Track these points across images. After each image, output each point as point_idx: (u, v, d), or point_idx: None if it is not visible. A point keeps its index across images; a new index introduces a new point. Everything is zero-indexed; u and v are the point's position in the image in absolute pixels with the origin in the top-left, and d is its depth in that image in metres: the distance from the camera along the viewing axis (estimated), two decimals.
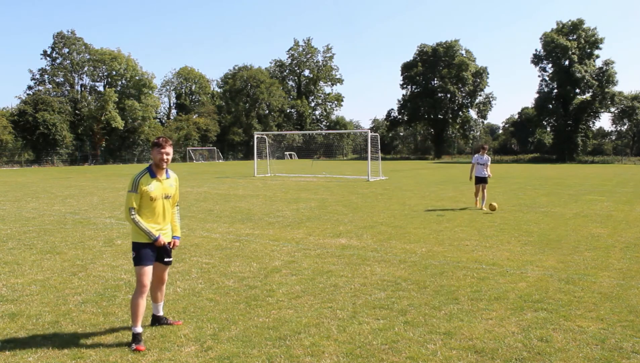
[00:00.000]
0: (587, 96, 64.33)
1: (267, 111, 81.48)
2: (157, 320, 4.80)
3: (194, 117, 72.11)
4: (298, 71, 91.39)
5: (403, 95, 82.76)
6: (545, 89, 66.79)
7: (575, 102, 63.81)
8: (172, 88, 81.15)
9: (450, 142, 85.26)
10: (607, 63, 63.71)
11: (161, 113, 77.82)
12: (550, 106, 65.69)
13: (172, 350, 4.21)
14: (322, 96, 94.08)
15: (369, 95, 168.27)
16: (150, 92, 63.71)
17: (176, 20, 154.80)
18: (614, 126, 78.92)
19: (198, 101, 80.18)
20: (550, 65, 65.70)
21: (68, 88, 59.51)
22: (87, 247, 8.42)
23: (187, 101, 79.93)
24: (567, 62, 63.64)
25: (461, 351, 4.17)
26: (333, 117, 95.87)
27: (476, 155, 14.40)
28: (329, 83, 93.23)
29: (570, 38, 63.99)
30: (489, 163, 14.19)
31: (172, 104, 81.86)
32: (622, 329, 4.64)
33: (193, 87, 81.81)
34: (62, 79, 59.43)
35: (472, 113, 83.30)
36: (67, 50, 58.87)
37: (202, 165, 53.05)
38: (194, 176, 30.42)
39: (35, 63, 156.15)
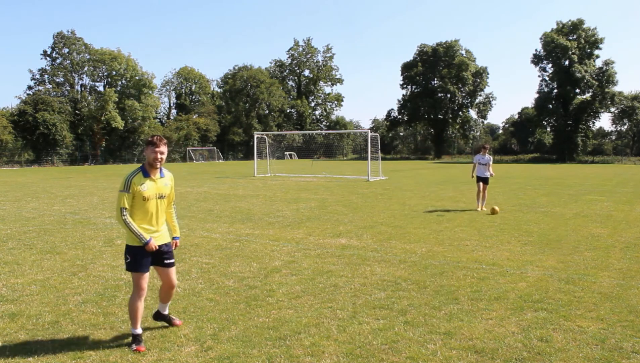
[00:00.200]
0: (587, 96, 64.32)
1: (267, 111, 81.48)
2: (160, 317, 4.73)
3: (194, 117, 72.11)
4: (298, 71, 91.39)
5: (403, 95, 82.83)
6: (545, 89, 66.80)
7: (575, 102, 63.81)
8: (172, 88, 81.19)
9: (450, 142, 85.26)
10: (607, 63, 63.71)
11: (161, 113, 77.89)
12: (550, 106, 65.68)
13: (172, 350, 4.21)
14: (322, 96, 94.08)
15: (369, 95, 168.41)
16: (150, 92, 63.73)
17: (176, 20, 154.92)
18: (614, 126, 79.03)
19: (198, 101, 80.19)
20: (550, 65, 65.70)
21: (68, 88, 59.52)
22: (87, 247, 8.42)
23: (187, 101, 79.92)
24: (567, 62, 63.63)
25: (461, 351, 4.17)
26: (333, 117, 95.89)
27: (477, 155, 14.17)
28: (329, 83, 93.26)
29: (570, 38, 63.98)
30: (491, 163, 13.99)
31: (172, 104, 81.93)
32: (622, 329, 4.64)
33: (193, 87, 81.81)
34: (62, 79, 59.46)
35: (472, 113, 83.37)
36: (67, 50, 58.89)
37: (202, 165, 53.05)
38: (194, 176, 30.42)
39: (35, 63, 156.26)
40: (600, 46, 64.41)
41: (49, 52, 58.84)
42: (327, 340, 4.39)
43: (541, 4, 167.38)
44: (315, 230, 10.12)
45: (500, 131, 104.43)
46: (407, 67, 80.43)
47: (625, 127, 76.78)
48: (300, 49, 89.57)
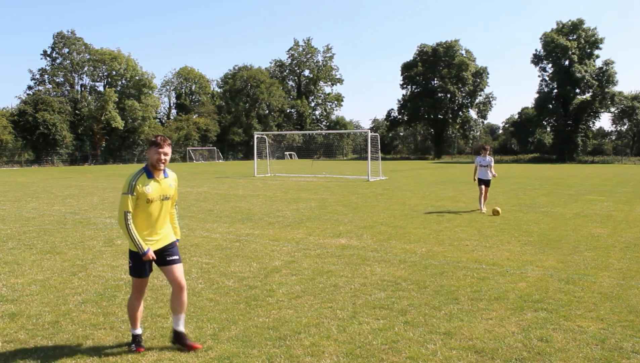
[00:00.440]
0: (587, 96, 64.33)
1: (267, 111, 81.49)
2: (177, 338, 4.24)
3: (194, 117, 72.12)
4: (298, 71, 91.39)
5: (403, 95, 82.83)
6: (545, 89, 66.80)
7: (575, 102, 63.81)
8: (172, 88, 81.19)
9: (450, 142, 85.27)
10: (607, 63, 63.71)
11: (161, 113, 77.87)
12: (550, 106, 65.69)
13: (172, 350, 4.21)
14: (322, 96, 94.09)
15: (369, 95, 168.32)
16: (150, 92, 63.74)
17: (176, 20, 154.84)
18: (614, 126, 78.96)
19: (198, 101, 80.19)
20: (550, 65, 65.70)
21: (68, 88, 59.53)
22: (87, 247, 8.42)
23: (187, 101, 79.92)
24: (567, 62, 63.63)
25: (461, 351, 4.17)
26: (333, 117, 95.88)
27: (478, 157, 13.83)
28: (329, 83, 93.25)
29: (570, 38, 63.98)
30: (493, 164, 13.64)
31: (172, 104, 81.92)
32: (622, 329, 4.64)
33: (193, 87, 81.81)
34: (62, 79, 59.47)
35: (472, 113, 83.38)
36: (67, 50, 58.90)
37: (202, 165, 53.06)
38: (194, 176, 30.42)
39: (35, 63, 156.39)
40: (600, 45, 64.46)
41: (49, 52, 58.89)
42: (327, 340, 4.39)
43: (541, 4, 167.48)
44: (315, 230, 10.12)
45: (500, 131, 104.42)
46: (407, 67, 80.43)
47: (625, 127, 76.75)
48: (300, 49, 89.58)
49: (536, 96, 67.65)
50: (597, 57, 64.81)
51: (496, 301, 5.46)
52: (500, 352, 4.14)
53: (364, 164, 31.70)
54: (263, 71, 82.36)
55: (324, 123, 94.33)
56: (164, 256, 4.26)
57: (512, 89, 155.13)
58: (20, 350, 4.21)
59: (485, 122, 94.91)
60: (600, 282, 6.23)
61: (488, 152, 13.84)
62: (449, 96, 78.59)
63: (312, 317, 4.97)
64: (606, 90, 62.85)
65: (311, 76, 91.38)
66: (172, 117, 76.62)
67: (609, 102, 64.19)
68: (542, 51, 65.58)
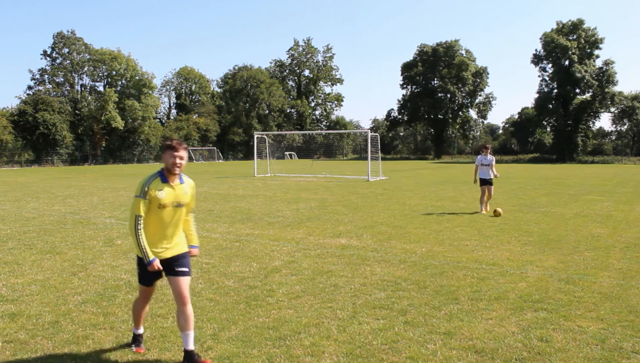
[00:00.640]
0: (587, 96, 64.33)
1: (267, 111, 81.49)
2: (188, 359, 3.92)
3: (194, 117, 72.12)
4: (298, 71, 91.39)
5: (403, 95, 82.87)
6: (545, 89, 66.80)
7: (575, 102, 63.81)
8: (172, 88, 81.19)
9: (450, 142, 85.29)
10: (607, 63, 63.72)
11: (161, 113, 77.85)
12: (550, 106, 65.69)
13: (172, 350, 4.21)
14: (322, 96, 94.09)
15: (369, 95, 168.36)
16: (150, 92, 63.70)
17: (176, 20, 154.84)
18: (614, 126, 79.00)
19: (198, 101, 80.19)
20: (550, 65, 65.71)
21: (68, 88, 59.50)
22: (87, 247, 8.42)
23: (187, 101, 79.92)
24: (567, 62, 63.63)
25: (461, 351, 4.17)
26: (333, 117, 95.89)
27: (479, 156, 13.66)
28: (329, 83, 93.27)
29: (570, 38, 63.98)
30: (494, 163, 13.47)
31: (172, 104, 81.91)
32: (622, 329, 4.64)
33: (193, 87, 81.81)
34: (62, 79, 59.44)
35: (472, 113, 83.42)
36: (67, 50, 58.86)
37: (202, 165, 53.05)
38: (194, 176, 30.35)
39: (35, 63, 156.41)
40: (600, 45, 64.48)
41: (49, 52, 58.84)
42: (327, 340, 4.39)
43: (541, 4, 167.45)
44: (315, 230, 10.12)
45: (500, 131, 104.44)
46: (407, 67, 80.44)
47: (625, 127, 76.77)
48: (300, 49, 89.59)
49: (536, 96, 67.73)
50: (597, 57, 64.87)
51: (496, 301, 5.46)
52: (500, 352, 4.14)
53: (364, 164, 31.70)
54: (263, 71, 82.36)
55: (324, 123, 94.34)
56: (173, 266, 4.02)
57: (512, 89, 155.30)
58: (20, 350, 4.21)
59: (485, 122, 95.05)
60: (600, 282, 6.23)
61: (489, 151, 13.67)
62: (449, 96, 78.60)
63: (312, 317, 4.97)
64: (606, 90, 62.85)
65: (311, 76, 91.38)
66: (172, 117, 76.62)
67: (609, 102, 64.19)
68: (542, 51, 65.59)
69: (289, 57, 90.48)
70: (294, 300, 5.55)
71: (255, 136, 33.94)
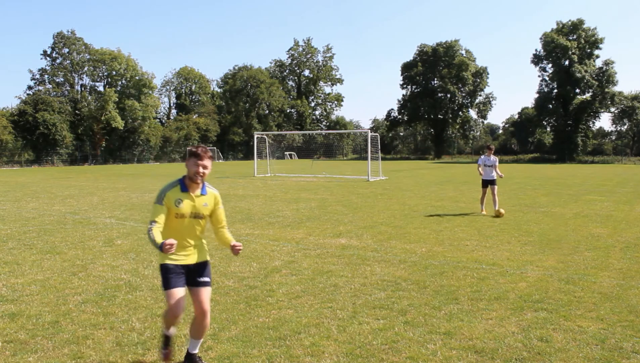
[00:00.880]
0: (587, 96, 64.32)
1: (267, 111, 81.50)
2: (189, 359, 3.91)
3: (194, 117, 72.13)
4: (298, 71, 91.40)
5: (403, 95, 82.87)
6: (545, 89, 66.80)
7: (575, 102, 63.81)
8: (172, 88, 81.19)
9: (450, 142, 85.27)
10: (607, 63, 63.72)
11: (161, 113, 77.89)
12: (550, 106, 65.69)
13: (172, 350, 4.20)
14: (322, 96, 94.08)
15: (369, 95, 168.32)
16: (150, 92, 63.74)
17: (176, 20, 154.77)
18: (614, 126, 78.99)
19: (198, 101, 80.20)
20: (550, 65, 65.70)
21: (68, 88, 59.53)
22: (87, 247, 8.42)
23: (187, 101, 79.93)
24: (567, 62, 63.63)
25: (461, 351, 4.17)
26: (333, 117, 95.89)
27: (482, 156, 13.42)
28: (329, 83, 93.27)
29: (570, 38, 63.97)
30: (497, 163, 13.27)
31: (172, 104, 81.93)
32: (622, 329, 4.64)
33: (193, 87, 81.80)
34: (62, 79, 59.47)
35: (472, 113, 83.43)
36: (67, 50, 58.89)
37: None
38: None
39: (35, 63, 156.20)
40: (600, 45, 64.45)
41: (49, 52, 58.87)
42: (327, 340, 4.39)
43: (541, 4, 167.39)
44: (315, 230, 10.12)
45: (500, 131, 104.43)
46: (407, 67, 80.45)
47: (625, 127, 76.77)
48: (300, 49, 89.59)
49: (536, 96, 67.73)
50: (597, 57, 64.85)
51: (496, 301, 5.46)
52: (500, 352, 4.14)
53: (364, 164, 31.70)
54: (263, 71, 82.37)
55: (324, 123, 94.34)
56: (195, 276, 3.87)
57: (512, 89, 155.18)
58: (20, 350, 4.21)
59: (485, 122, 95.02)
60: (600, 282, 6.23)
61: (492, 151, 13.37)
62: (449, 96, 78.60)
63: (312, 317, 4.97)
64: (606, 90, 62.85)
65: (311, 76, 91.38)
66: (172, 117, 76.62)
67: (609, 102, 64.20)
68: (542, 51, 65.59)
69: (289, 57, 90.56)
70: (294, 300, 5.55)
71: (255, 136, 33.94)
